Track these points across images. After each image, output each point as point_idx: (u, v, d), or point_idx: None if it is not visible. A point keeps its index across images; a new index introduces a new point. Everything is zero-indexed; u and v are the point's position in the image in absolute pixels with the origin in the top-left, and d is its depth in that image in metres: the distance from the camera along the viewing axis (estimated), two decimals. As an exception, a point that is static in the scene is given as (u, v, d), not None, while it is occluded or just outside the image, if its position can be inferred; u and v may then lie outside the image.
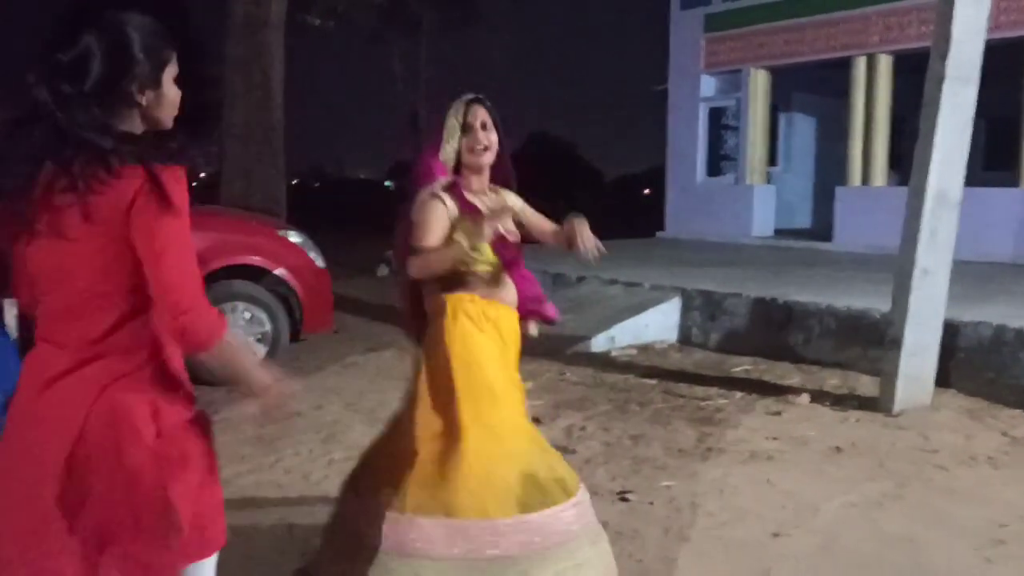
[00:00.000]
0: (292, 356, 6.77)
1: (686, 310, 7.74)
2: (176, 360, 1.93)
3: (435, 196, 2.68)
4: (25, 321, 4.87)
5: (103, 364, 1.81)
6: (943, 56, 5.22)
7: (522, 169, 2.96)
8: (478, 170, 2.77)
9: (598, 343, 7.26)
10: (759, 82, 14.34)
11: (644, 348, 7.40)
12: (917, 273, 5.35)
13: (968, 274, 8.17)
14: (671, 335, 7.74)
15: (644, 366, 6.76)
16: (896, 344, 5.40)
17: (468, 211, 2.67)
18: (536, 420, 5.16)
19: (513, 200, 2.90)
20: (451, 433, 2.60)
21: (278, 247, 6.34)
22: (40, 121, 1.76)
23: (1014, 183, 11.55)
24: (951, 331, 5.83)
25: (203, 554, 1.94)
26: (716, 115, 15.19)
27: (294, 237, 6.56)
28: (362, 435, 4.90)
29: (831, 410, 5.46)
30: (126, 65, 1.79)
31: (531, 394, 5.53)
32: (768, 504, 3.90)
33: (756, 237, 14.08)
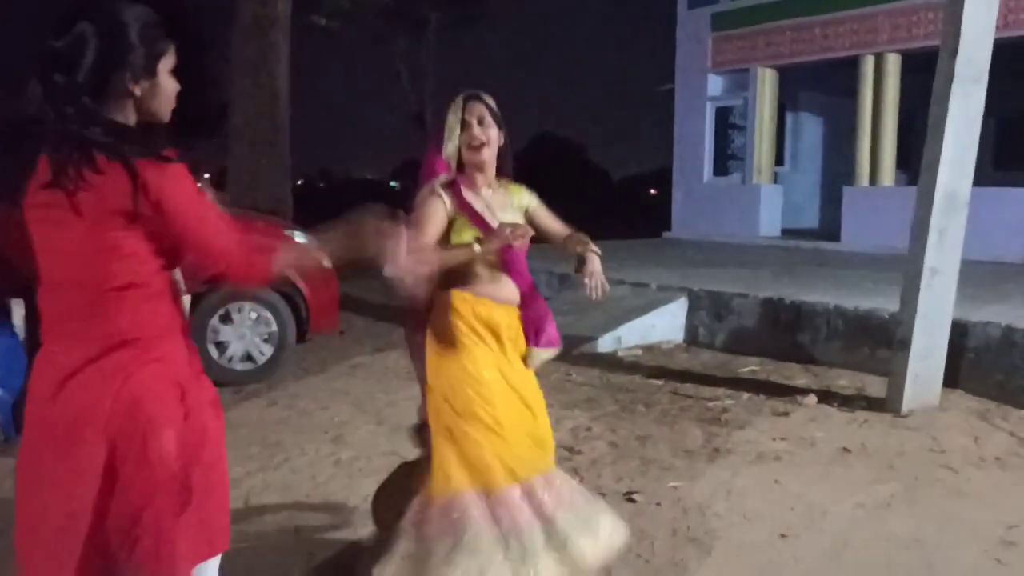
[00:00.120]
0: (299, 356, 6.78)
1: (693, 310, 7.73)
2: (192, 345, 1.97)
3: (433, 193, 2.71)
4: (32, 321, 4.89)
5: (121, 354, 1.81)
6: (952, 55, 5.19)
7: (528, 169, 2.97)
8: (479, 166, 2.77)
9: (604, 343, 7.25)
10: (766, 81, 14.30)
11: (651, 348, 7.38)
12: (926, 273, 5.32)
13: (977, 274, 8.13)
14: (678, 335, 7.73)
15: (651, 367, 6.74)
16: (904, 344, 5.38)
17: (465, 209, 2.70)
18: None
19: (526, 197, 2.89)
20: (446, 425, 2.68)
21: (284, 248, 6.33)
22: (34, 120, 1.76)
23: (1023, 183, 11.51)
24: (960, 331, 5.80)
25: (209, 553, 1.94)
26: (723, 114, 15.16)
27: (300, 237, 6.54)
28: (369, 435, 4.90)
29: (839, 411, 5.44)
30: (120, 53, 1.79)
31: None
32: (776, 505, 3.88)
33: (763, 237, 14.04)
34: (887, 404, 5.44)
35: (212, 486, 1.92)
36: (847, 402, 5.62)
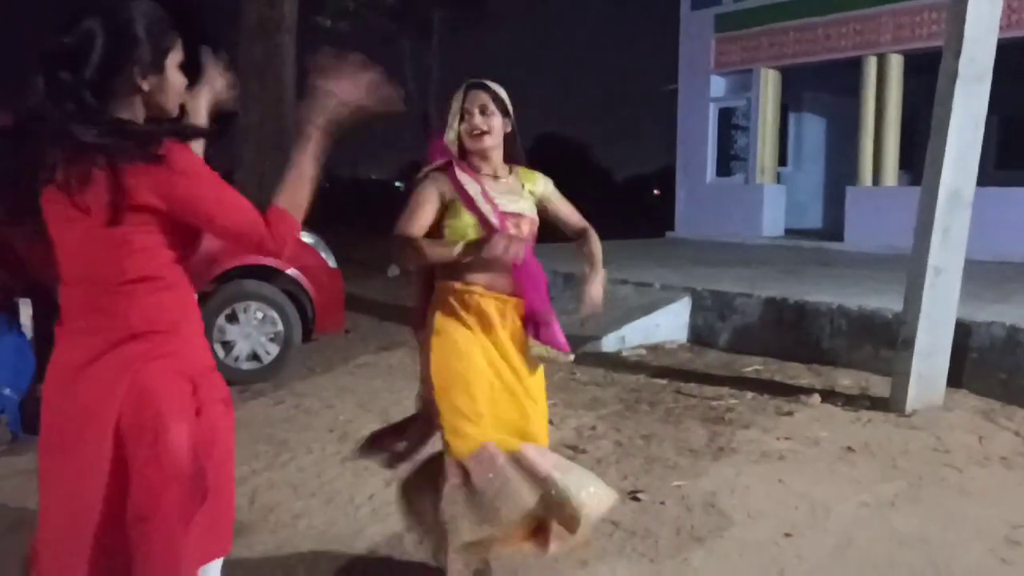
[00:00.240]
0: (304, 356, 6.81)
1: (696, 310, 7.74)
2: (205, 341, 1.98)
3: (425, 178, 2.75)
4: (40, 321, 4.91)
5: (132, 347, 1.83)
6: (956, 54, 5.20)
7: (531, 169, 2.97)
8: (481, 154, 2.78)
9: (608, 343, 7.26)
10: (769, 82, 14.31)
11: (654, 348, 7.39)
12: (930, 272, 5.33)
13: (981, 274, 8.13)
14: (681, 335, 7.74)
15: (655, 366, 6.76)
16: (908, 344, 5.39)
17: (460, 192, 2.71)
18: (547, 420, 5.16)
19: (541, 185, 2.88)
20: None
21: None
22: (37, 118, 1.77)
23: (1027, 182, 11.50)
24: (964, 331, 5.81)
25: (214, 554, 1.95)
26: (726, 115, 15.17)
27: (306, 237, 6.57)
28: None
29: (843, 410, 5.45)
30: (128, 48, 1.80)
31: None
32: (780, 504, 3.90)
33: (766, 237, 14.05)
34: (891, 403, 5.44)
35: (221, 485, 1.93)
36: (851, 401, 5.63)
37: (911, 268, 5.47)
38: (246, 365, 6.16)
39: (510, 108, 2.80)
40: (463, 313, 2.73)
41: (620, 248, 11.97)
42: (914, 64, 12.37)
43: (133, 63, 1.81)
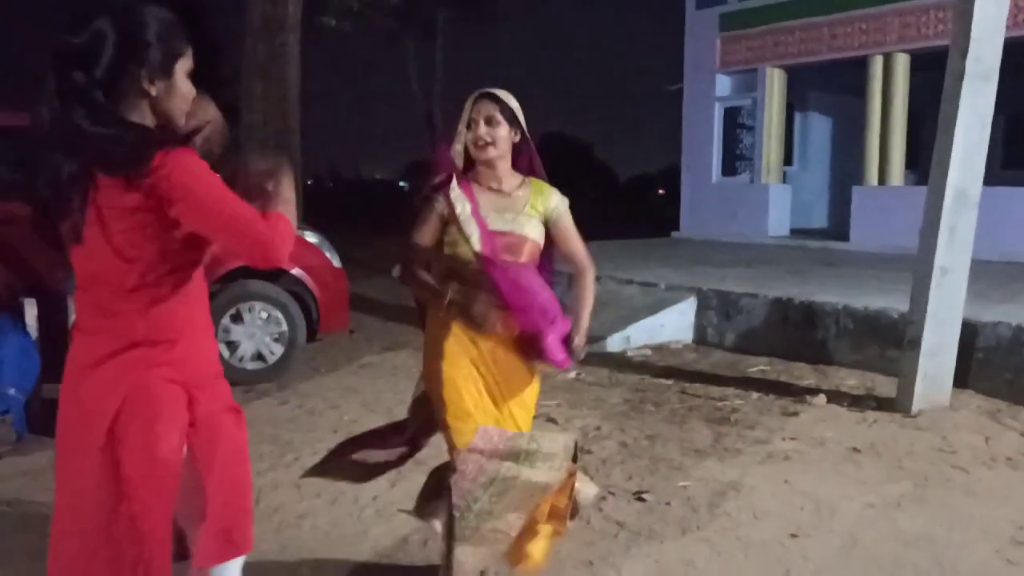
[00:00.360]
0: (309, 356, 6.81)
1: (702, 310, 7.73)
2: (213, 349, 1.97)
3: (425, 199, 2.76)
4: (45, 321, 4.92)
5: (132, 354, 1.83)
6: (962, 53, 5.18)
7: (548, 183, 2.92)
8: (486, 164, 2.75)
9: (613, 343, 7.25)
10: (775, 81, 14.28)
11: (660, 348, 7.39)
12: (936, 272, 5.31)
13: (987, 273, 8.11)
14: (687, 335, 7.73)
15: (660, 366, 6.75)
16: (915, 344, 5.37)
17: (450, 211, 2.71)
18: (551, 420, 5.17)
19: (552, 202, 2.79)
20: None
21: (295, 247, 6.36)
22: (53, 122, 1.77)
23: (1033, 182, 11.47)
24: (970, 331, 5.79)
25: (226, 556, 1.95)
26: (731, 114, 15.15)
27: (311, 237, 6.57)
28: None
29: (848, 411, 5.43)
30: (138, 50, 1.79)
31: (546, 394, 5.53)
32: (786, 504, 3.89)
33: (772, 237, 14.02)
34: (897, 404, 5.43)
35: (229, 491, 1.93)
36: (857, 402, 5.61)
37: (917, 268, 5.46)
38: (251, 365, 6.16)
39: (520, 118, 2.74)
40: (453, 320, 2.73)
41: (625, 248, 11.96)
42: (920, 63, 12.35)
43: (141, 66, 1.80)
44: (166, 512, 1.85)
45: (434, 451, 3.03)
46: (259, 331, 6.17)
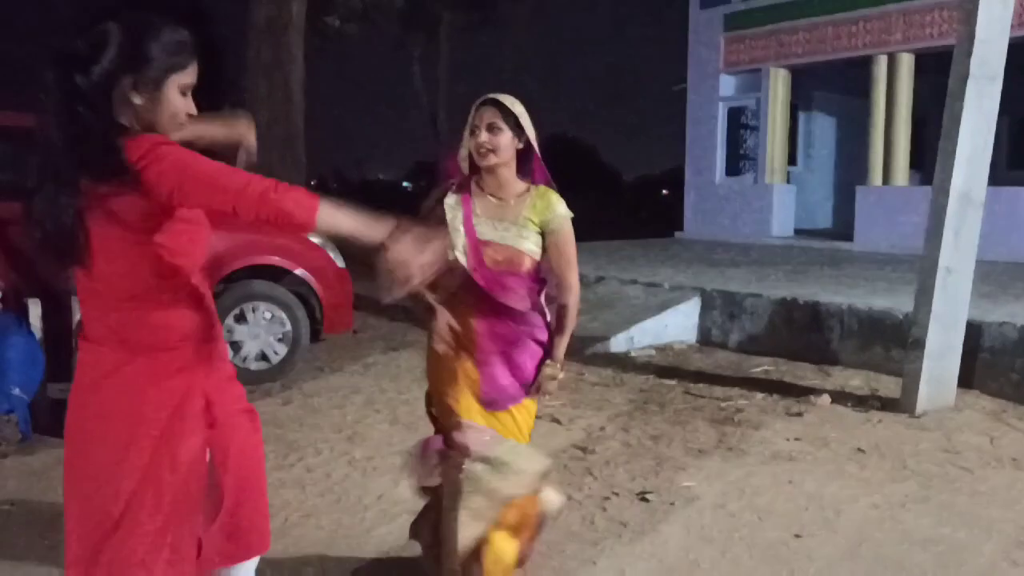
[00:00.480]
0: (313, 356, 6.81)
1: (706, 310, 7.72)
2: (224, 352, 1.98)
3: (433, 205, 2.79)
4: (50, 321, 4.93)
5: (152, 359, 1.83)
6: (967, 54, 5.17)
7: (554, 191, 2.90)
8: (488, 171, 2.75)
9: (617, 343, 7.25)
10: (779, 81, 14.27)
11: (663, 348, 7.38)
12: (940, 273, 5.30)
13: (992, 274, 8.10)
14: (691, 335, 7.72)
15: (663, 366, 6.74)
16: (919, 344, 5.36)
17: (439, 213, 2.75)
18: (555, 421, 5.16)
19: (551, 214, 2.74)
20: None
21: (299, 247, 6.37)
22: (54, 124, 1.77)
23: (1038, 182, 11.44)
24: (975, 331, 5.78)
25: (241, 557, 1.95)
26: (735, 115, 15.14)
27: (314, 238, 6.58)
28: (383, 434, 4.92)
29: (853, 411, 5.42)
30: (131, 60, 1.78)
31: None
32: (790, 505, 3.88)
33: (776, 237, 14.01)
34: (901, 404, 5.42)
35: (244, 492, 1.93)
36: (861, 402, 5.61)
37: (922, 268, 5.45)
38: (255, 365, 6.16)
39: (524, 124, 2.72)
40: (445, 332, 2.76)
41: (629, 248, 11.96)
42: (925, 63, 12.33)
43: (130, 75, 1.78)
44: (193, 514, 1.86)
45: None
46: (263, 331, 6.17)
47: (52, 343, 4.89)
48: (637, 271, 8.82)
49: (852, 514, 3.78)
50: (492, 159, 2.71)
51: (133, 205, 1.74)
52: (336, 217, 1.76)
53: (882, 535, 3.56)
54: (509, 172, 2.77)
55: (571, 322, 2.81)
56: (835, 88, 15.41)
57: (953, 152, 5.25)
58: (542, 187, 2.79)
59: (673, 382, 6.23)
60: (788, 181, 14.80)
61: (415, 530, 3.04)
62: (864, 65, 13.08)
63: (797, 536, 3.54)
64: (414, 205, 2.90)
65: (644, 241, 13.81)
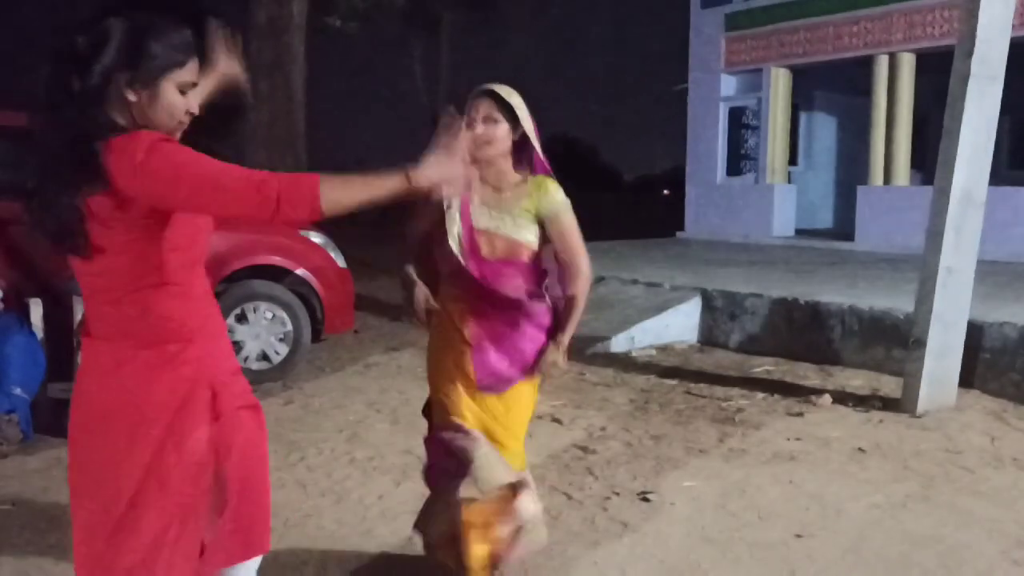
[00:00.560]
0: (314, 356, 6.82)
1: (706, 310, 7.72)
2: (228, 347, 1.97)
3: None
4: (51, 321, 4.93)
5: (158, 353, 1.83)
6: (968, 54, 5.17)
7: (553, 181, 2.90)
8: (485, 162, 2.76)
9: (618, 343, 7.25)
10: (780, 81, 14.26)
11: (664, 348, 7.38)
12: (942, 273, 5.30)
13: (993, 274, 8.10)
14: (692, 335, 7.72)
15: (665, 366, 6.74)
16: (920, 344, 5.36)
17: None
18: (556, 421, 5.17)
19: (548, 203, 2.75)
20: None
21: (300, 247, 6.37)
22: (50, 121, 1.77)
23: (1039, 182, 11.43)
24: (976, 332, 5.78)
25: (242, 556, 1.95)
26: (736, 114, 15.13)
27: (315, 237, 6.58)
28: (384, 434, 4.92)
29: (854, 411, 5.42)
30: (129, 56, 1.76)
31: (551, 394, 5.54)
32: (792, 505, 3.88)
33: (777, 237, 14.01)
34: (902, 404, 5.42)
35: (247, 489, 1.93)
36: (862, 402, 5.61)
37: (923, 268, 5.45)
38: (256, 365, 6.16)
39: (520, 114, 2.72)
40: (444, 320, 2.82)
41: (630, 248, 11.95)
42: (926, 63, 12.31)
43: (127, 71, 1.77)
44: (198, 511, 1.86)
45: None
46: (264, 331, 6.17)
47: (53, 343, 4.90)
48: (638, 271, 8.82)
49: (853, 514, 3.78)
50: (488, 151, 2.72)
51: (131, 202, 1.73)
52: (343, 194, 1.77)
53: (883, 535, 3.56)
54: (506, 163, 2.78)
55: (579, 306, 2.81)
56: (836, 88, 15.40)
57: (954, 152, 5.25)
58: (539, 176, 2.79)
59: (674, 382, 6.23)
60: (789, 181, 14.79)
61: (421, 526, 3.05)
62: (865, 65, 13.07)
63: (798, 536, 3.54)
64: (413, 202, 2.92)
65: (645, 241, 13.80)
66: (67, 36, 1.77)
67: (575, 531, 3.58)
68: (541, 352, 2.78)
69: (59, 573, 3.13)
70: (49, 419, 4.77)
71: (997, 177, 6.17)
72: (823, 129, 16.18)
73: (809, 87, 15.18)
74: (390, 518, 3.69)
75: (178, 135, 1.88)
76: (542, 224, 2.75)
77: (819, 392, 5.79)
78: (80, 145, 1.72)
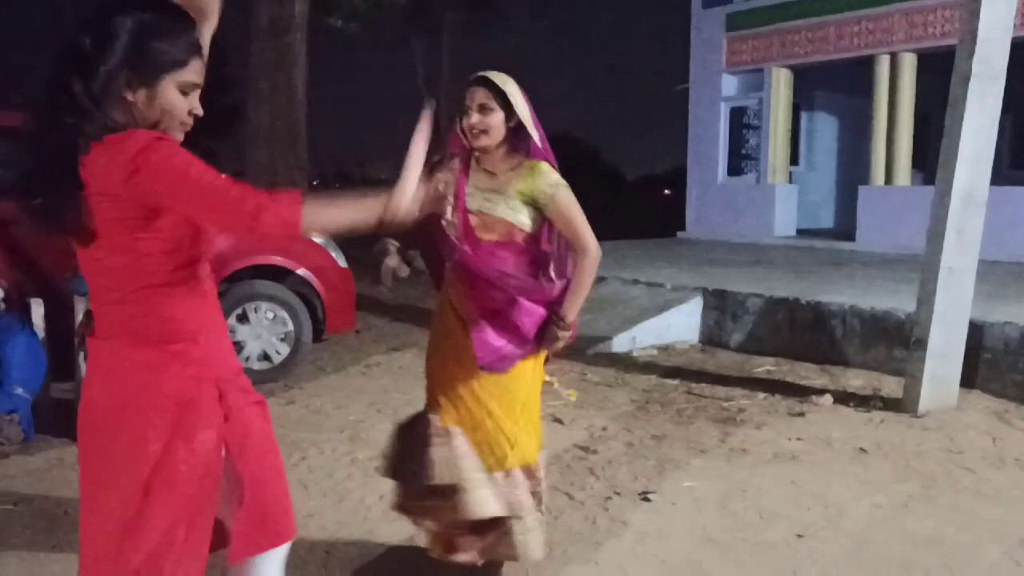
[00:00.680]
0: (315, 356, 6.82)
1: (708, 310, 7.72)
2: (230, 346, 1.98)
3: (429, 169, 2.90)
4: (52, 321, 4.93)
5: (163, 352, 1.83)
6: (969, 54, 5.17)
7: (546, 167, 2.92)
8: (480, 149, 2.79)
9: (620, 343, 7.25)
10: (781, 81, 14.26)
11: (666, 348, 7.38)
12: (943, 273, 5.30)
13: (994, 274, 8.09)
14: (693, 335, 7.72)
15: (666, 366, 6.74)
16: (921, 344, 5.36)
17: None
18: (557, 420, 5.16)
19: (542, 187, 2.74)
20: None
21: (301, 247, 6.37)
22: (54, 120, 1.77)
23: (1041, 182, 11.43)
24: (977, 331, 5.77)
25: (269, 544, 1.96)
26: (737, 114, 15.13)
27: (317, 237, 6.58)
28: (386, 434, 4.90)
29: (855, 411, 5.42)
30: (129, 56, 1.75)
31: (552, 394, 5.54)
32: (793, 505, 3.88)
33: (778, 237, 14.00)
34: (904, 404, 5.41)
35: (263, 481, 1.94)
36: (863, 402, 5.60)
37: (924, 268, 5.44)
38: (257, 365, 6.16)
39: (515, 102, 2.72)
40: (444, 304, 2.93)
41: (631, 248, 11.95)
42: (927, 63, 12.31)
43: (123, 71, 1.76)
44: (207, 510, 1.86)
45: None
46: (265, 331, 6.17)
47: (54, 343, 4.90)
48: (639, 271, 8.82)
49: (855, 514, 3.77)
50: (483, 140, 2.75)
51: (126, 201, 1.74)
52: (323, 217, 1.76)
53: (885, 535, 3.56)
54: (501, 151, 2.80)
55: (584, 281, 2.78)
56: (837, 88, 15.39)
57: (956, 152, 5.24)
58: (534, 161, 2.79)
59: (675, 382, 6.22)
60: (790, 181, 14.79)
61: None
62: (866, 65, 13.07)
63: (800, 536, 3.54)
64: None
65: (646, 241, 13.80)
66: (72, 35, 1.77)
67: (576, 531, 3.58)
68: (542, 326, 2.78)
69: (61, 573, 3.13)
70: (50, 419, 4.78)
71: (998, 177, 6.16)
72: (824, 129, 16.17)
73: (810, 87, 15.18)
74: (392, 518, 3.67)
75: (180, 136, 1.88)
76: (539, 207, 2.76)
77: (820, 392, 5.78)
78: (78, 146, 1.72)
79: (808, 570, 3.26)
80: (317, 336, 6.50)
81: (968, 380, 5.68)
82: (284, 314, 6.21)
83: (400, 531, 3.51)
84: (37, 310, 4.90)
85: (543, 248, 2.84)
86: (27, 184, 1.82)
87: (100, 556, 1.86)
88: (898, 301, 6.63)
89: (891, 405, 5.49)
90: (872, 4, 12.80)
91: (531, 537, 2.85)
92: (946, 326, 5.37)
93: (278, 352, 6.22)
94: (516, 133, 2.78)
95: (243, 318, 6.10)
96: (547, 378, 3.17)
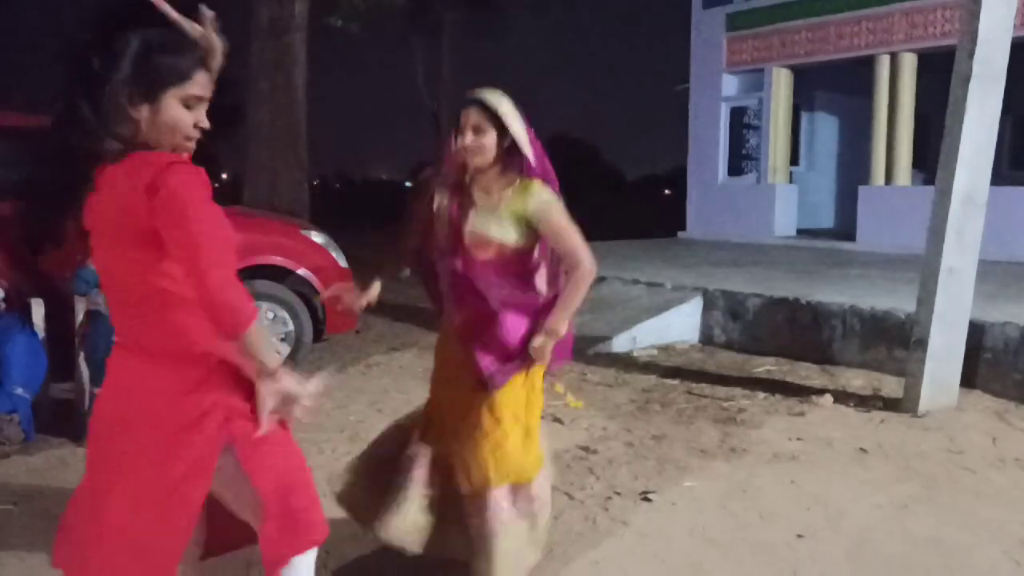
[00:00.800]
0: (315, 356, 6.81)
1: (708, 310, 7.72)
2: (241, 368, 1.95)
3: (426, 184, 2.95)
4: (52, 321, 4.93)
5: (174, 370, 1.83)
6: (969, 54, 5.17)
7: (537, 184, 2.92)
8: (475, 168, 2.80)
9: (620, 343, 7.25)
10: (781, 81, 14.26)
11: (666, 348, 7.38)
12: (943, 273, 5.30)
13: (994, 274, 8.09)
14: (693, 335, 7.72)
15: (666, 366, 6.74)
16: (922, 345, 5.36)
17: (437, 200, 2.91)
18: (557, 421, 5.16)
19: (533, 204, 2.74)
20: None
21: (301, 247, 6.37)
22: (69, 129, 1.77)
23: (1041, 182, 11.42)
24: (977, 332, 5.77)
25: (297, 550, 1.96)
26: (738, 114, 15.12)
27: (317, 237, 6.58)
28: (385, 435, 4.92)
29: (855, 411, 5.42)
30: (135, 70, 1.75)
31: (552, 394, 5.54)
32: (793, 505, 3.88)
33: (778, 237, 14.00)
34: (904, 404, 5.41)
35: (283, 492, 1.94)
36: (863, 402, 5.60)
37: (924, 269, 5.44)
38: (257, 365, 6.17)
39: (508, 122, 2.72)
40: (443, 321, 3.00)
41: (631, 248, 11.95)
42: (927, 63, 12.31)
43: (127, 87, 1.75)
44: (175, 524, 1.87)
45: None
46: (265, 331, 6.17)
47: (55, 343, 4.90)
48: (639, 271, 8.82)
49: (855, 514, 3.77)
50: (478, 161, 2.77)
51: (147, 221, 1.74)
52: (258, 343, 1.81)
53: (885, 535, 3.56)
54: (495, 170, 2.81)
55: (574, 295, 2.78)
56: (837, 88, 15.39)
57: (956, 152, 5.24)
58: (526, 179, 2.80)
59: (675, 382, 6.22)
60: (790, 181, 14.79)
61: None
62: (867, 65, 13.06)
63: (800, 536, 3.54)
64: (412, 204, 2.98)
65: (646, 241, 13.80)
66: (79, 52, 1.75)
67: (576, 531, 3.58)
68: (528, 338, 2.79)
69: (61, 573, 3.13)
70: (50, 419, 4.78)
71: (998, 177, 6.16)
72: (824, 129, 16.17)
73: (810, 87, 15.18)
74: (391, 518, 3.68)
75: (188, 151, 1.87)
76: (532, 225, 2.77)
77: (820, 392, 5.78)
78: (84, 163, 1.73)
79: (808, 570, 3.26)
80: (317, 336, 6.50)
81: (968, 380, 5.68)
82: (284, 314, 6.22)
83: (400, 531, 3.50)
84: (37, 310, 4.90)
85: (532, 265, 2.85)
86: (27, 187, 1.83)
87: (67, 558, 1.87)
88: (898, 301, 6.63)
89: (891, 405, 5.49)
90: (872, 4, 12.80)
91: (501, 562, 2.78)
92: (946, 326, 5.37)
93: (278, 352, 6.22)
94: (510, 152, 2.78)
95: (243, 318, 6.10)
96: (557, 387, 3.21)
